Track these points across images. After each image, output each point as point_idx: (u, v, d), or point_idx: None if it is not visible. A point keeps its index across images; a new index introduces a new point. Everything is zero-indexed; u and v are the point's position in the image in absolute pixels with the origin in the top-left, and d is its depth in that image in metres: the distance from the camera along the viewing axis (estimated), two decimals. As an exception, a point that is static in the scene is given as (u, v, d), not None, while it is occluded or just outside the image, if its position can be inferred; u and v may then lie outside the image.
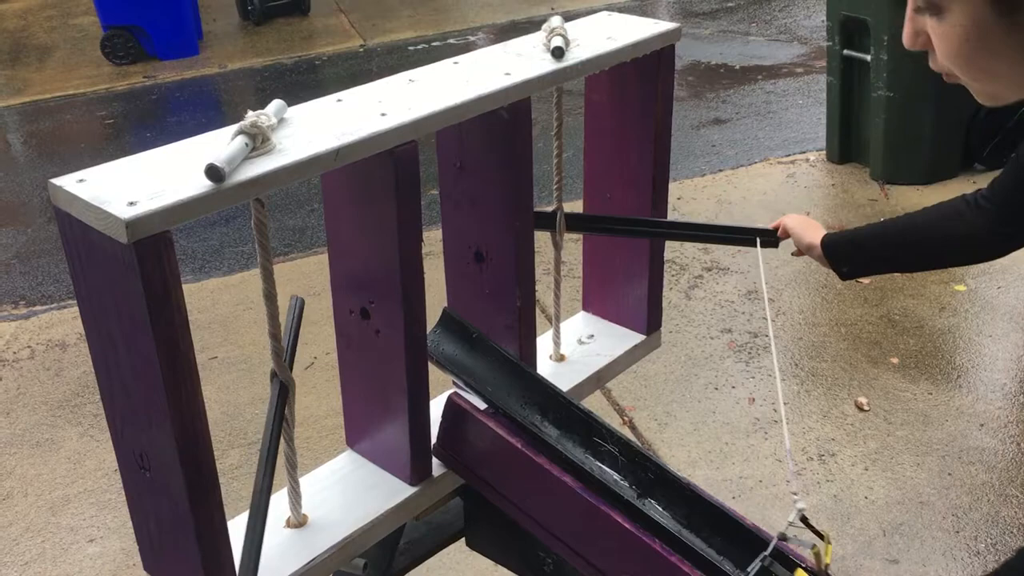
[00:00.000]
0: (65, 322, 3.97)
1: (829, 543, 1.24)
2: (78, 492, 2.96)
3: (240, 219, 4.77)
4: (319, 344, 3.47)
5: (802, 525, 1.23)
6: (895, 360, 3.35)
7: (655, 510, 1.36)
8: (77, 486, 2.99)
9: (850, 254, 1.66)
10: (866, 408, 3.11)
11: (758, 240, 1.76)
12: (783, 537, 1.24)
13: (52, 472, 3.06)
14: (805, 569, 1.23)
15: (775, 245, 1.78)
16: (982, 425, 3.01)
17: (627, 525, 1.31)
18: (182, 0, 7.42)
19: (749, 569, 1.21)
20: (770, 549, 1.23)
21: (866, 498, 2.74)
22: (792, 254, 1.79)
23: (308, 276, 4.12)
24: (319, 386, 3.33)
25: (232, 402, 3.35)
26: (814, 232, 1.70)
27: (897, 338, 3.47)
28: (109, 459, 3.08)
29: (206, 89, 7.14)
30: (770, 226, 1.78)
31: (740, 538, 1.31)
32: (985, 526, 2.63)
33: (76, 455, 3.13)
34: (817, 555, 1.20)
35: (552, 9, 7.86)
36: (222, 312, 3.96)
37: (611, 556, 1.34)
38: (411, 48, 7.57)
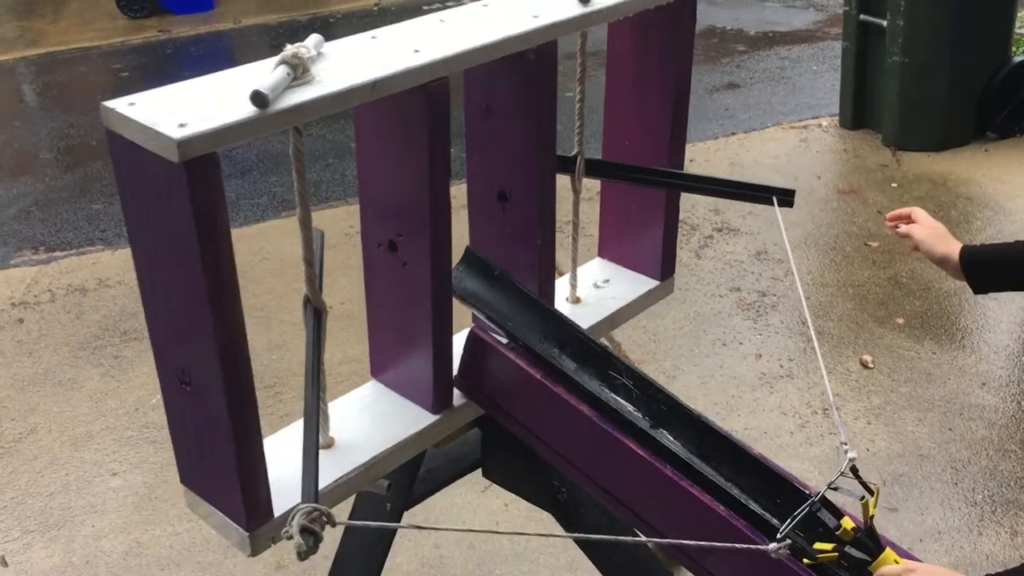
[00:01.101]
0: (84, 268, 4.04)
1: (876, 495, 1.22)
2: (100, 429, 3.04)
3: (255, 172, 4.82)
4: (336, 294, 3.52)
5: (851, 475, 1.23)
6: (901, 320, 3.41)
7: (667, 439, 1.42)
8: (99, 423, 3.07)
9: (990, 271, 1.61)
10: (871, 366, 3.18)
11: (775, 199, 1.78)
12: (834, 488, 1.24)
13: (75, 410, 3.14)
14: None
15: (791, 205, 1.78)
16: (984, 384, 3.07)
17: (640, 452, 1.37)
18: (198, -46, 7.42)
19: (796, 513, 1.23)
20: (818, 496, 1.24)
21: (868, 450, 2.81)
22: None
23: (324, 227, 4.15)
24: (335, 333, 3.38)
25: (249, 348, 3.41)
26: (946, 243, 1.64)
27: (903, 299, 3.52)
28: (130, 399, 3.16)
29: (220, 44, 7.16)
30: (888, 217, 1.74)
31: (747, 465, 1.37)
32: (983, 478, 2.70)
33: (98, 394, 3.21)
34: (865, 506, 1.21)
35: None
36: (238, 262, 3.92)
37: (625, 481, 1.41)
38: (425, 8, 7.56)
